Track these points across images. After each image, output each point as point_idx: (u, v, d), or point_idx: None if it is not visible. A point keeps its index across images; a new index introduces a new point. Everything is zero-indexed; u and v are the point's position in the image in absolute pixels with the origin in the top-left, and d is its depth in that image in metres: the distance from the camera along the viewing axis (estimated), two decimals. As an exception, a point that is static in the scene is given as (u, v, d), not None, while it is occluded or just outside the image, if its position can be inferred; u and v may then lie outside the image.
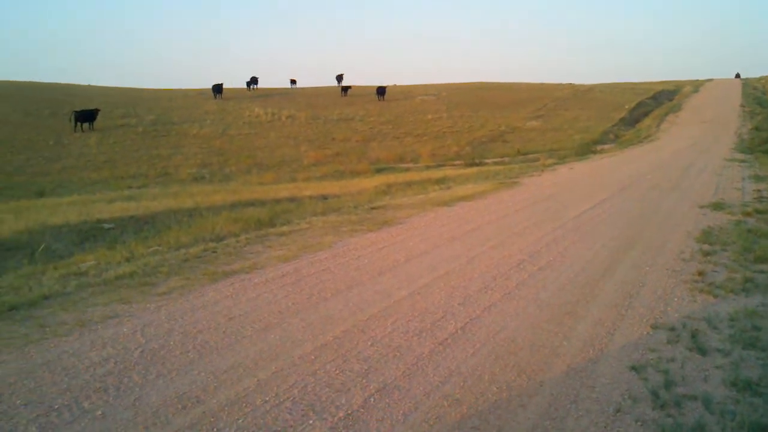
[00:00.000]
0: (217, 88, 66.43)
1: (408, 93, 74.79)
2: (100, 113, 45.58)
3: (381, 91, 70.08)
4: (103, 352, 5.66)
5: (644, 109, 67.80)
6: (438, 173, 28.28)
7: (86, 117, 44.18)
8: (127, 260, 9.30)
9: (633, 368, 5.41)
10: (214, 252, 9.87)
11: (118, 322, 6.50)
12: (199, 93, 71.27)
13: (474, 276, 8.33)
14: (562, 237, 10.99)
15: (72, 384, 4.97)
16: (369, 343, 5.86)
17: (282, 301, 7.25)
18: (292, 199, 17.04)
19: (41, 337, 6.05)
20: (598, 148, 41.66)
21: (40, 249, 10.09)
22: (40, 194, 26.87)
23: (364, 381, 5.07)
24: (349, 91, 71.76)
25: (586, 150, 39.60)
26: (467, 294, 7.49)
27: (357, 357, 5.54)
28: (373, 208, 14.45)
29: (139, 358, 5.52)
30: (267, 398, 4.78)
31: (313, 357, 5.54)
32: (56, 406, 4.60)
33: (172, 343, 5.89)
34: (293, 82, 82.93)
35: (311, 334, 6.14)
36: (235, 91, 70.15)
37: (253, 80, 76.70)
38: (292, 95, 71.24)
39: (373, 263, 9.08)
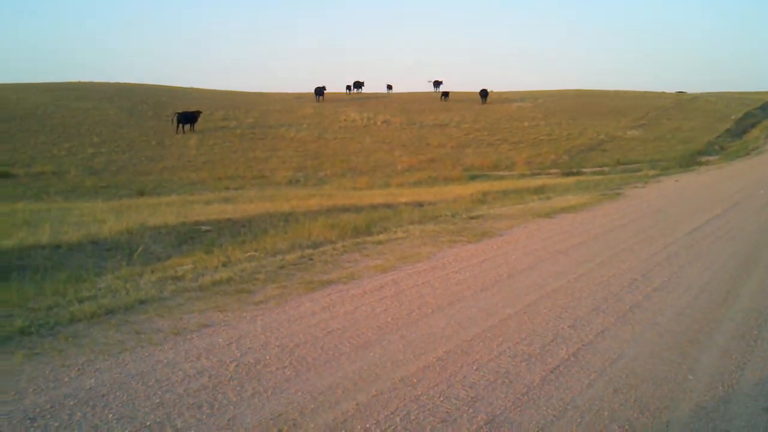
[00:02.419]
0: (320, 91, 67.61)
1: (504, 99, 73.79)
2: (201, 115, 46.69)
3: (484, 93, 70.25)
4: (197, 364, 5.47)
5: (752, 120, 64.85)
6: (535, 182, 27.56)
7: (188, 119, 45.36)
8: (224, 265, 9.19)
9: (773, 411, 4.82)
10: (310, 259, 9.67)
11: (213, 332, 6.32)
12: (297, 97, 72.42)
13: (583, 295, 7.81)
14: (675, 255, 10.29)
15: (165, 398, 4.77)
16: (474, 367, 5.46)
17: (381, 315, 6.93)
18: (387, 206, 16.78)
19: (136, 345, 5.92)
20: (703, 159, 39.99)
21: (138, 251, 10.12)
22: (141, 193, 27.57)
23: (471, 411, 4.67)
24: (447, 96, 71.82)
25: (690, 161, 38.03)
26: (577, 315, 6.99)
27: (462, 382, 5.15)
28: (471, 218, 14.03)
29: (234, 372, 5.29)
30: (367, 425, 4.44)
31: (415, 380, 5.18)
32: (148, 423, 4.39)
33: (268, 357, 5.65)
34: (389, 87, 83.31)
35: (412, 353, 5.79)
36: (332, 95, 70.76)
37: (357, 84, 77.67)
38: (388, 100, 71.44)
39: (474, 277, 8.67)
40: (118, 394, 4.85)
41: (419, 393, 4.94)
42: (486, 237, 11.74)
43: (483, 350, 5.87)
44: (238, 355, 5.70)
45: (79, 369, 5.33)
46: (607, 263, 9.61)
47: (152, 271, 8.86)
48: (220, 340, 6.09)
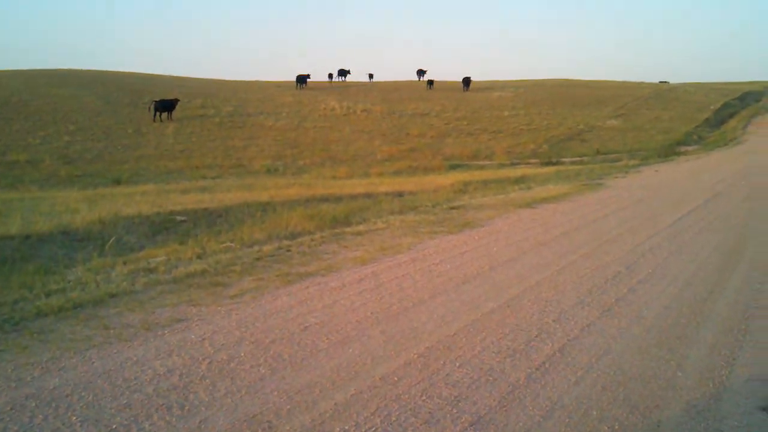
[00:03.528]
0: (302, 79, 67.04)
1: (485, 88, 73.66)
2: (179, 103, 46.07)
3: (466, 81, 70.51)
4: (168, 361, 5.22)
5: (730, 110, 65.30)
6: (515, 172, 27.44)
7: (165, 106, 44.71)
8: (199, 257, 8.94)
9: (765, 409, 4.67)
10: (288, 251, 9.44)
11: (185, 327, 6.08)
12: (277, 86, 71.78)
13: (567, 288, 7.64)
14: (659, 246, 10.17)
15: (133, 399, 4.53)
16: (457, 364, 5.26)
17: (360, 309, 6.72)
18: (367, 196, 16.56)
19: (104, 341, 5.66)
20: (682, 149, 40.14)
21: (110, 242, 9.82)
22: (117, 182, 27.13)
23: (454, 411, 4.47)
24: (432, 85, 71.82)
25: (669, 151, 38.13)
26: (561, 309, 6.82)
27: (445, 380, 4.95)
28: (452, 208, 13.84)
29: (206, 371, 5.05)
30: (346, 426, 4.23)
31: (396, 378, 4.98)
32: (114, 426, 4.15)
33: (242, 354, 5.41)
34: (371, 76, 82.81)
35: (393, 349, 5.58)
36: (312, 84, 70.12)
37: (342, 72, 77.10)
38: (368, 89, 71.01)
39: (456, 269, 8.48)
40: (83, 394, 4.60)
41: (400, 392, 4.74)
42: (467, 228, 11.56)
43: (466, 346, 5.67)
44: (211, 351, 5.46)
45: (43, 367, 5.07)
46: (591, 255, 9.46)
47: (124, 263, 8.59)
48: (193, 336, 5.85)
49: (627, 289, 7.65)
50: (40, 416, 4.28)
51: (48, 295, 6.98)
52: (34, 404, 4.44)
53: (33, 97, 49.98)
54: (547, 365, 5.29)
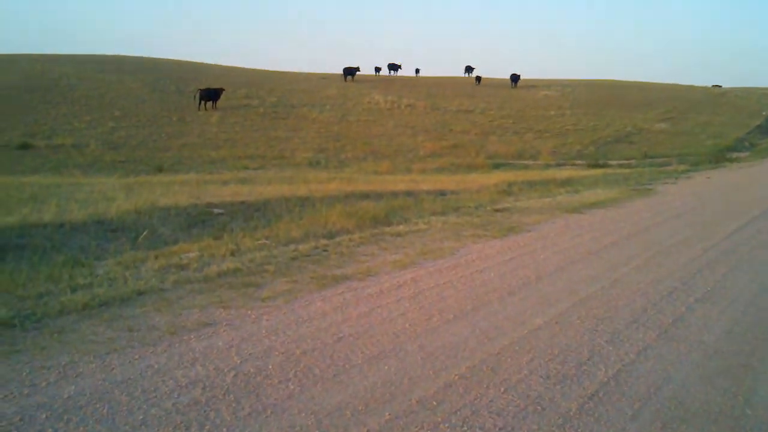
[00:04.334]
0: (350, 71, 66.75)
1: (531, 86, 72.60)
2: (224, 93, 46.10)
3: (515, 78, 69.97)
4: (191, 371, 4.88)
5: (783, 116, 63.25)
6: (561, 173, 26.79)
7: (210, 95, 44.80)
8: (232, 254, 8.62)
9: None
10: (325, 251, 9.08)
11: (213, 333, 5.73)
12: (322, 77, 71.63)
13: (620, 304, 7.13)
14: (716, 261, 9.57)
15: (150, 415, 4.18)
16: (502, 389, 4.82)
17: (398, 320, 6.31)
18: (408, 194, 16.14)
19: (127, 345, 5.35)
20: (733, 156, 38.92)
21: (143, 234, 9.56)
22: (160, 170, 27.14)
23: (498, 445, 4.05)
24: (480, 81, 71.44)
25: (719, 157, 37.00)
26: (615, 329, 6.32)
27: (488, 408, 4.51)
28: (496, 210, 13.36)
29: (231, 384, 4.69)
30: (378, 459, 3.83)
31: (434, 403, 4.56)
32: (126, 447, 3.82)
33: (270, 366, 5.04)
34: (417, 71, 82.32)
35: (432, 368, 5.16)
36: (358, 77, 69.73)
37: (393, 67, 76.82)
38: (413, 84, 70.41)
39: (501, 278, 8.01)
40: (98, 406, 4.27)
41: (439, 419, 4.32)
42: (512, 232, 11.07)
43: (512, 368, 5.22)
44: (238, 362, 5.10)
45: (59, 372, 4.77)
46: (644, 268, 8.91)
47: (156, 257, 8.32)
48: (220, 342, 5.50)
49: (685, 309, 7.10)
50: (50, 430, 3.95)
51: (74, 290, 6.72)
52: (44, 416, 4.12)
53: (80, 81, 50.55)
54: (600, 394, 4.82)
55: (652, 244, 10.57)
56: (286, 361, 5.17)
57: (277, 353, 5.32)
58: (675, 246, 10.47)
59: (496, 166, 33.02)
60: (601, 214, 13.59)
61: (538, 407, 4.56)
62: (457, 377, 5.00)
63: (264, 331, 5.82)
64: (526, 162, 35.52)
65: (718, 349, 5.95)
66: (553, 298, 7.27)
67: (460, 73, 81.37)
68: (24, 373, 4.72)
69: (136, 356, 5.14)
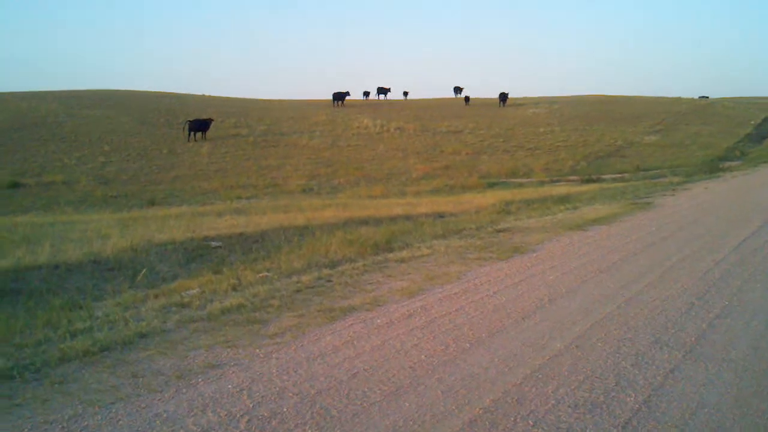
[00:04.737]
0: (340, 96, 66.91)
1: (519, 105, 72.86)
2: (213, 123, 45.98)
3: (503, 97, 70.48)
4: (202, 419, 4.61)
5: (772, 124, 63.52)
6: (557, 190, 26.66)
7: (200, 126, 44.67)
8: (234, 288, 8.37)
9: None
10: (329, 281, 8.83)
11: (221, 375, 5.47)
12: (309, 104, 71.73)
13: (639, 324, 6.90)
14: (729, 273, 9.37)
15: (162, 470, 3.93)
16: (531, 422, 4.57)
17: (412, 351, 6.06)
18: (407, 217, 15.92)
19: (132, 392, 5.08)
20: (725, 165, 38.84)
21: (141, 273, 9.31)
22: (152, 203, 26.92)
23: (536, 486, 3.80)
24: (469, 101, 71.93)
25: (713, 167, 36.91)
26: (638, 350, 6.09)
27: (519, 444, 4.27)
28: (498, 231, 13.15)
29: (245, 431, 4.44)
30: (410, 507, 3.58)
31: (462, 441, 4.32)
32: None
33: (285, 409, 4.78)
34: (405, 94, 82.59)
35: (454, 403, 4.91)
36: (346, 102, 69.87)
37: (382, 91, 77.04)
38: (400, 107, 70.57)
39: (513, 302, 7.78)
40: (105, 463, 4.01)
41: (469, 459, 4.07)
42: (517, 253, 10.85)
43: (537, 398, 4.98)
44: (250, 406, 4.84)
45: (63, 427, 4.51)
46: (657, 284, 8.69)
47: (156, 296, 8.09)
48: (230, 385, 5.24)
49: (706, 325, 6.89)
50: (55, 492, 3.69)
51: (73, 335, 6.46)
52: (49, 476, 3.86)
53: (68, 118, 50.41)
54: (634, 423, 4.58)
55: (661, 259, 10.37)
56: (301, 402, 4.92)
57: (290, 394, 5.07)
58: (685, 260, 10.27)
59: (491, 185, 32.89)
60: (605, 231, 13.40)
61: (571, 441, 4.32)
62: (481, 411, 4.76)
63: (275, 371, 5.56)
64: (519, 180, 35.42)
65: (748, 366, 5.73)
66: (568, 320, 7.04)
67: (449, 94, 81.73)
68: (25, 430, 4.46)
69: (143, 405, 4.87)
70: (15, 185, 30.83)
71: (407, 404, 4.88)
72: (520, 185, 32.62)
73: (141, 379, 5.38)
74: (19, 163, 36.18)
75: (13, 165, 35.47)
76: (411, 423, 4.57)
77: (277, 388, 5.18)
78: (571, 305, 7.65)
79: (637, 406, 4.87)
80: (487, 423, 4.57)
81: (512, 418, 4.63)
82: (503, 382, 5.31)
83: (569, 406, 4.84)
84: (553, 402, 4.92)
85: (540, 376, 5.44)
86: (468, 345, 6.22)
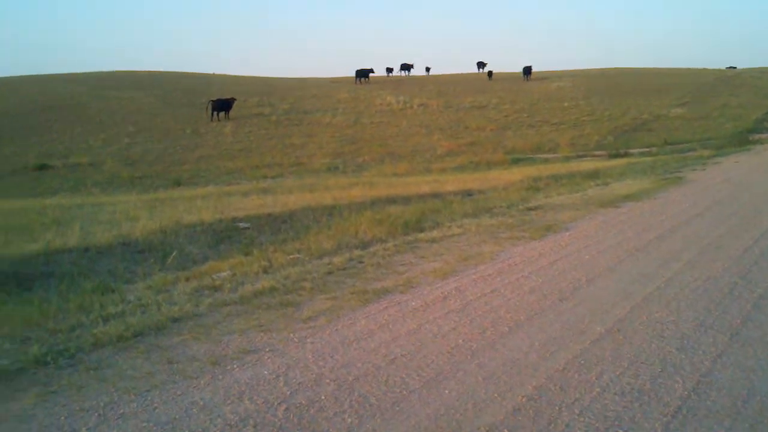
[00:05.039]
0: (363, 73, 66.50)
1: (543, 78, 72.01)
2: (235, 102, 45.94)
3: (527, 70, 69.94)
4: (239, 407, 4.53)
5: (803, 95, 62.21)
6: (585, 165, 26.36)
7: (222, 106, 44.65)
8: (265, 271, 8.29)
9: None
10: (360, 262, 8.72)
11: (257, 360, 5.38)
12: (332, 82, 71.41)
13: (681, 306, 6.71)
14: (770, 251, 9.11)
15: (202, 463, 3.84)
16: (576, 411, 4.43)
17: (450, 335, 5.94)
18: (435, 195, 15.77)
19: (168, 379, 5.01)
20: (755, 137, 38.12)
21: (172, 256, 9.25)
22: (177, 183, 26.99)
23: (587, 479, 3.67)
24: (492, 76, 71.39)
25: (742, 140, 36.24)
26: (682, 333, 5.91)
27: (566, 434, 4.14)
28: (529, 209, 12.96)
29: (283, 419, 4.34)
30: (457, 501, 3.47)
31: (506, 431, 4.19)
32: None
33: (323, 396, 4.68)
34: (428, 69, 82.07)
35: (496, 389, 4.78)
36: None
37: (405, 67, 76.60)
38: (423, 83, 70.03)
39: (549, 283, 7.62)
40: (143, 454, 3.94)
41: (515, 450, 3.95)
42: (551, 232, 10.67)
43: (581, 385, 4.84)
44: (288, 393, 4.74)
45: (99, 415, 4.44)
46: (697, 263, 8.47)
47: (187, 279, 8.02)
48: (266, 372, 5.15)
49: (751, 306, 6.68)
50: (95, 486, 3.63)
51: (106, 320, 6.40)
52: (88, 468, 3.79)
53: (92, 99, 50.63)
54: (684, 411, 4.42)
55: (698, 236, 10.13)
56: (339, 389, 4.82)
57: (327, 381, 4.97)
58: (723, 237, 10.02)
59: (516, 161, 32.59)
60: (638, 207, 13.15)
61: (620, 430, 4.18)
62: (524, 399, 4.62)
63: (310, 356, 5.46)
64: (545, 155, 35.04)
65: (798, 350, 5.53)
66: (608, 302, 6.88)
67: (471, 69, 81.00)
68: (62, 418, 4.40)
69: (179, 392, 4.80)
70: (43, 167, 31.11)
71: (447, 391, 4.77)
72: (546, 161, 32.28)
73: (176, 365, 5.31)
74: (47, 145, 36.44)
75: (40, 147, 35.73)
76: (453, 411, 4.45)
77: (314, 375, 5.08)
78: (609, 286, 7.48)
79: (686, 393, 4.70)
80: (531, 412, 4.44)
81: (557, 407, 4.50)
82: (545, 367, 5.17)
83: (615, 394, 4.69)
84: (598, 389, 4.77)
85: (582, 361, 5.29)
86: (506, 329, 6.09)
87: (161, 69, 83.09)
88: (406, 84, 68.57)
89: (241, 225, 11.79)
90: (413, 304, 6.91)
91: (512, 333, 5.98)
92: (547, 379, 4.95)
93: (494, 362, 5.29)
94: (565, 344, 5.66)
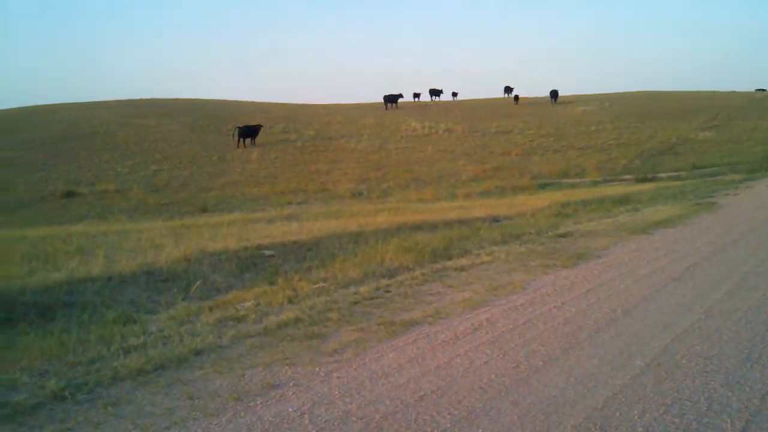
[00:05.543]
0: (392, 98, 66.71)
1: (567, 103, 71.70)
2: (261, 129, 46.18)
3: (554, 94, 69.84)
4: (263, 449, 4.32)
5: (834, 117, 61.22)
6: (612, 190, 25.97)
7: (248, 132, 44.89)
8: (290, 301, 8.10)
9: None
10: (387, 291, 8.51)
11: (281, 396, 5.17)
12: (356, 108, 71.69)
13: (723, 339, 6.41)
14: (814, 279, 8.76)
15: None
16: (620, 454, 4.17)
17: (482, 370, 5.68)
18: (461, 222, 15.52)
19: (188, 416, 4.81)
20: (788, 161, 37.48)
21: (195, 285, 9.09)
22: (204, 210, 27.01)
23: None
24: (518, 100, 71.43)
25: (774, 163, 35.64)
26: (726, 369, 5.60)
27: (610, 480, 3.87)
28: (559, 236, 12.69)
29: (309, 462, 4.12)
30: None
31: (546, 476, 3.93)
32: None
33: (349, 437, 4.46)
34: (455, 94, 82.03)
35: (532, 429, 4.52)
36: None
37: (434, 92, 76.79)
38: (449, 108, 70.02)
39: (583, 314, 7.35)
40: (162, 500, 3.73)
41: (556, 498, 3.69)
42: (582, 260, 10.39)
43: (623, 425, 4.56)
44: (313, 433, 4.53)
45: (116, 456, 4.25)
46: (736, 292, 8.15)
47: (210, 309, 7.84)
48: (290, 409, 4.94)
49: (799, 340, 6.36)
50: None
51: (127, 352, 6.23)
52: None
53: (120, 127, 51.19)
54: (736, 455, 4.14)
55: (736, 264, 9.81)
56: (366, 428, 4.59)
57: (354, 419, 4.74)
58: (760, 265, 9.69)
59: (543, 186, 32.26)
60: (671, 234, 12.82)
61: (668, 476, 3.91)
62: (564, 440, 4.36)
63: (336, 392, 5.24)
64: (572, 180, 34.70)
65: None
66: (646, 334, 6.59)
67: (497, 94, 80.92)
68: (78, 459, 4.22)
69: (200, 430, 4.60)
70: (70, 194, 31.32)
71: (481, 431, 4.52)
72: (573, 185, 31.93)
73: (197, 401, 5.11)
74: (74, 172, 36.76)
75: (68, 174, 36.06)
76: (488, 454, 4.20)
77: (340, 412, 4.85)
78: (647, 317, 7.19)
79: (736, 434, 4.42)
80: (571, 454, 4.18)
81: (599, 449, 4.23)
82: (583, 405, 4.90)
83: (661, 435, 4.42)
84: (641, 429, 4.49)
85: (623, 398, 5.01)
86: (541, 363, 5.82)
87: (188, 96, 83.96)
88: (431, 109, 68.62)
89: (266, 252, 11.63)
90: (443, 336, 6.67)
91: (547, 367, 5.71)
92: (586, 418, 4.68)
93: (529, 399, 5.03)
94: (603, 380, 5.39)
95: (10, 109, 70.50)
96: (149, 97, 79.55)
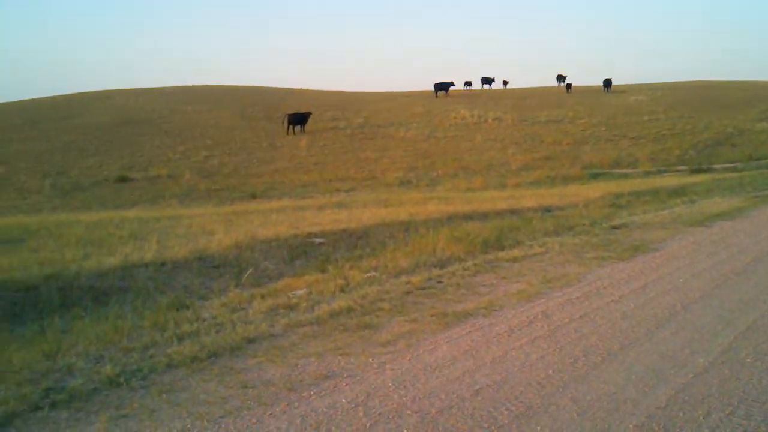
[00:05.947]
0: (443, 86, 66.30)
1: (620, 92, 70.37)
2: (311, 116, 46.30)
3: (607, 83, 68.74)
4: (317, 439, 4.27)
5: None
6: (666, 181, 25.37)
7: (298, 120, 45.01)
8: (342, 289, 8.06)
9: None
10: (439, 282, 8.42)
11: (334, 387, 5.12)
12: (405, 95, 71.42)
13: (790, 337, 6.18)
14: None
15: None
16: (685, 456, 4.02)
17: (538, 365, 5.56)
18: (512, 212, 15.31)
19: (242, 405, 4.79)
20: None
21: (248, 273, 9.11)
22: (253, 196, 27.19)
23: None
24: (570, 89, 70.30)
25: (838, 155, 34.47)
26: (795, 369, 5.39)
27: (676, 483, 3.73)
28: (613, 227, 12.44)
29: (365, 456, 4.06)
30: None
31: (609, 477, 3.80)
32: None
33: (405, 430, 4.39)
34: (505, 83, 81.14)
35: (592, 428, 4.38)
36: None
37: (486, 80, 76.25)
38: (499, 97, 69.29)
39: (641, 308, 7.15)
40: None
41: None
42: (639, 253, 10.15)
43: (687, 426, 4.40)
44: (368, 425, 4.46)
45: (172, 443, 4.24)
46: (803, 289, 7.87)
47: (262, 297, 7.85)
48: (344, 399, 4.89)
49: None
50: None
51: (180, 339, 6.27)
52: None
53: (172, 113, 51.80)
54: (809, 461, 3.96)
55: (801, 259, 9.47)
56: (422, 422, 4.51)
57: (409, 412, 4.66)
58: (828, 261, 9.34)
59: (594, 177, 31.70)
60: (730, 227, 12.46)
61: (738, 481, 3.75)
62: (626, 440, 4.22)
63: (390, 384, 5.17)
64: (624, 170, 34.02)
65: None
66: (708, 330, 6.38)
67: (550, 83, 79.81)
68: (134, 445, 4.23)
69: (254, 420, 4.57)
70: (123, 179, 31.82)
71: (540, 428, 4.40)
72: (625, 176, 31.31)
73: (250, 390, 5.09)
74: (127, 157, 37.33)
75: (121, 160, 36.63)
76: (547, 452, 4.09)
77: (395, 405, 4.78)
78: (709, 313, 6.96)
79: (807, 438, 4.23)
80: (634, 455, 4.04)
81: (663, 450, 4.09)
82: (645, 404, 4.75)
83: (727, 437, 4.25)
84: (707, 431, 4.33)
85: (686, 397, 4.85)
86: (599, 359, 5.67)
87: (239, 84, 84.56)
88: (481, 98, 67.96)
89: (316, 240, 11.62)
90: (497, 329, 6.56)
91: (606, 363, 5.56)
92: (649, 417, 4.53)
93: (589, 396, 4.89)
94: (666, 377, 5.22)
95: (67, 94, 71.94)
96: (200, 84, 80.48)
